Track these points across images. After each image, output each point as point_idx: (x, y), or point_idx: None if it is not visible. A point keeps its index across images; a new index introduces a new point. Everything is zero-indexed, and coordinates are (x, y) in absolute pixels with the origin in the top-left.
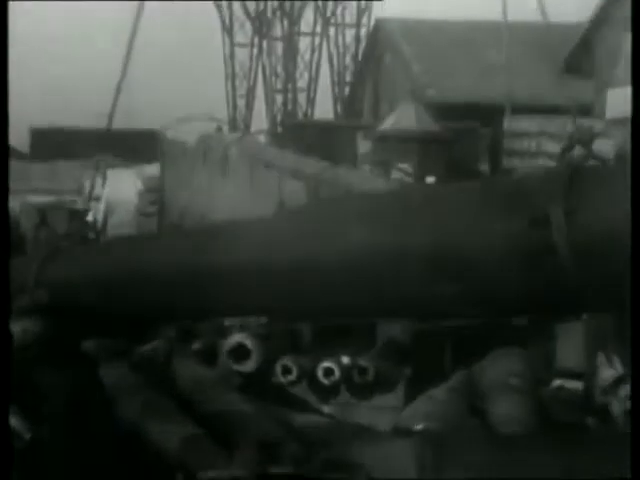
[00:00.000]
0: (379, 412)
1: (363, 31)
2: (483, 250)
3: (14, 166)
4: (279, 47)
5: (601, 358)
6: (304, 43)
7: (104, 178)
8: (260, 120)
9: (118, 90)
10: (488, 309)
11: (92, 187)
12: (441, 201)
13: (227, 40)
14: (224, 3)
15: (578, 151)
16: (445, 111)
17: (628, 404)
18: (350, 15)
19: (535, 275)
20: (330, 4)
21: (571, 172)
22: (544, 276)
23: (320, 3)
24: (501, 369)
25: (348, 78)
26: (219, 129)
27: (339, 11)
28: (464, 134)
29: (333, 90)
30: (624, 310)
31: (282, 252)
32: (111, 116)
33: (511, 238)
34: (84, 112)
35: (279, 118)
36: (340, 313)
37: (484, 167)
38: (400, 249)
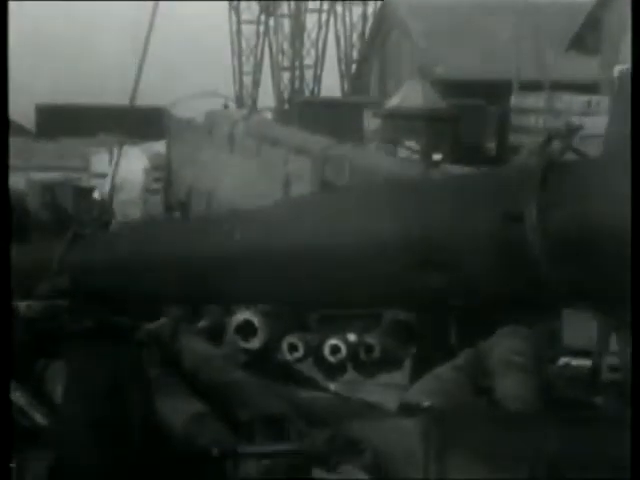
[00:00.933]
0: (385, 390)
1: (370, 8)
2: (464, 244)
3: (20, 143)
4: (286, 24)
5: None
6: (311, 20)
7: (111, 155)
8: (267, 97)
9: (140, 69)
10: (472, 301)
11: (115, 168)
12: (424, 195)
13: (234, 17)
14: None
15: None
16: (452, 88)
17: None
18: None
19: (511, 270)
20: None
21: (545, 167)
22: (519, 271)
23: None
24: (506, 347)
25: (355, 55)
26: (226, 106)
27: None
28: (471, 111)
29: (340, 67)
30: (606, 305)
31: (276, 241)
32: (133, 94)
33: (489, 233)
34: (97, 90)
35: (286, 95)
36: (329, 302)
37: (491, 144)
38: (385, 241)
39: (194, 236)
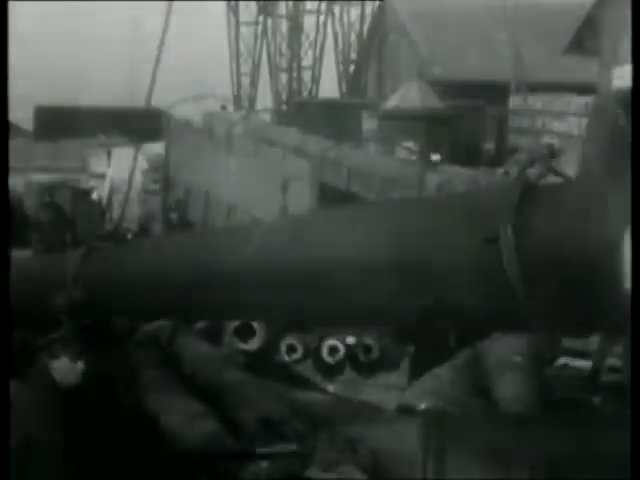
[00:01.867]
0: (384, 390)
1: (368, 9)
2: (444, 265)
3: (18, 144)
4: (284, 25)
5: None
6: (309, 21)
7: (109, 156)
8: (265, 98)
9: (154, 74)
10: (453, 322)
11: (133, 170)
12: (407, 217)
13: (232, 18)
14: None
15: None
16: (450, 89)
17: None
18: None
19: (489, 290)
20: None
21: (522, 191)
22: (496, 291)
23: None
24: (506, 348)
25: (353, 56)
26: (224, 107)
27: None
28: (469, 112)
29: (338, 68)
30: (570, 329)
31: (274, 258)
32: (149, 95)
33: (467, 254)
34: (98, 92)
35: (284, 96)
36: (316, 320)
37: (489, 145)
38: (368, 263)
39: (201, 253)
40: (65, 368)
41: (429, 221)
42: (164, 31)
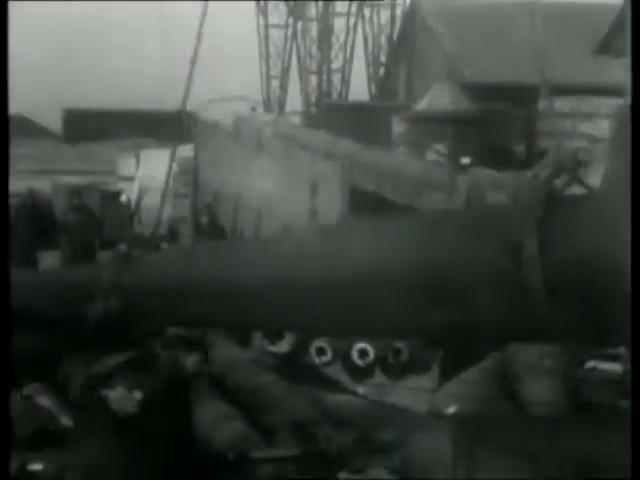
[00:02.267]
0: (413, 393)
1: (398, 11)
2: (469, 276)
3: (46, 147)
4: (314, 28)
5: None
6: (339, 24)
7: (137, 159)
8: (294, 101)
9: (190, 78)
10: (475, 335)
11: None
12: (433, 229)
13: (261, 20)
14: None
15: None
16: (480, 92)
17: None
18: None
19: (512, 303)
20: None
21: (546, 203)
22: (519, 305)
23: None
24: (534, 351)
25: (383, 59)
26: (253, 110)
27: None
28: (499, 115)
29: (368, 71)
30: (595, 341)
31: (299, 271)
32: (185, 98)
33: (491, 266)
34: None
35: (313, 99)
36: (335, 332)
37: (519, 148)
38: (395, 276)
39: (237, 263)
40: (122, 398)
41: (454, 234)
42: (199, 33)
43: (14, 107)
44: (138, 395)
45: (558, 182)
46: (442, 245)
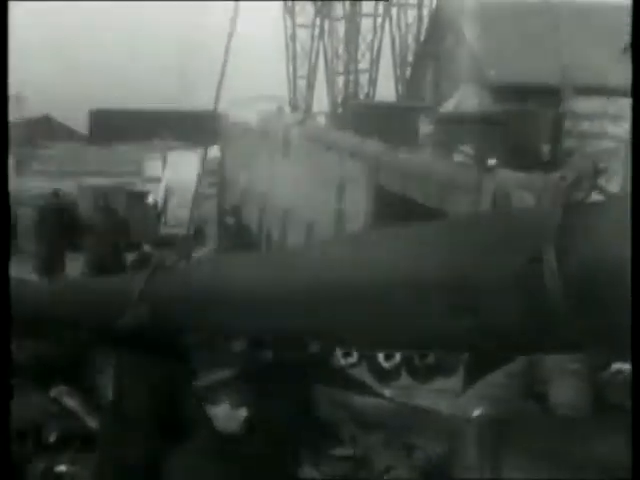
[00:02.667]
0: (439, 395)
1: (425, 11)
2: (489, 284)
3: (72, 148)
4: (341, 28)
5: None
6: (366, 24)
7: (164, 160)
8: (321, 101)
9: (222, 76)
10: (498, 343)
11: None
12: (455, 237)
13: (289, 21)
14: None
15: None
16: (507, 92)
17: None
18: None
19: (532, 311)
20: None
21: (566, 210)
22: (539, 312)
23: None
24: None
25: (410, 59)
26: (280, 110)
27: None
28: (526, 115)
29: (395, 71)
30: (617, 349)
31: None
32: (217, 99)
33: (510, 274)
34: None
35: (340, 99)
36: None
37: (545, 149)
38: (412, 284)
39: (265, 273)
40: (227, 416)
41: (474, 241)
42: (230, 33)
43: (41, 109)
44: (243, 413)
45: (579, 190)
46: (463, 253)
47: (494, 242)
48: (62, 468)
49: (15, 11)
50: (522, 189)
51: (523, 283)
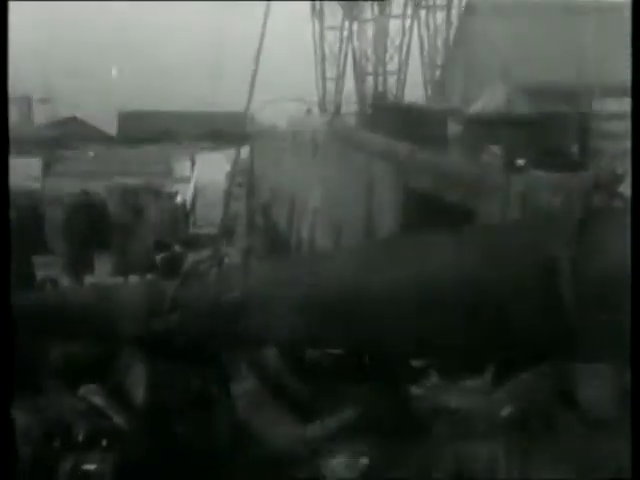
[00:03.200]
0: (469, 394)
1: (454, 13)
2: (507, 295)
3: (101, 149)
4: (369, 30)
5: None
6: (394, 26)
7: (193, 161)
8: (349, 102)
9: (254, 77)
10: (519, 352)
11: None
12: (473, 245)
13: (317, 23)
14: None
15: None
16: (535, 94)
17: None
18: None
19: (548, 320)
20: None
21: (582, 218)
22: (556, 321)
23: None
24: None
25: (439, 61)
26: (309, 111)
27: None
28: (553, 116)
29: (423, 73)
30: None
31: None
32: (249, 101)
33: (528, 284)
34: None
35: (369, 101)
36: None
37: (573, 149)
38: (434, 292)
39: (297, 279)
40: (346, 467)
41: (490, 250)
42: (262, 34)
43: (69, 110)
44: (364, 462)
45: (596, 197)
46: (482, 261)
47: (510, 251)
48: (90, 466)
49: (39, 11)
50: (551, 189)
51: (540, 292)
